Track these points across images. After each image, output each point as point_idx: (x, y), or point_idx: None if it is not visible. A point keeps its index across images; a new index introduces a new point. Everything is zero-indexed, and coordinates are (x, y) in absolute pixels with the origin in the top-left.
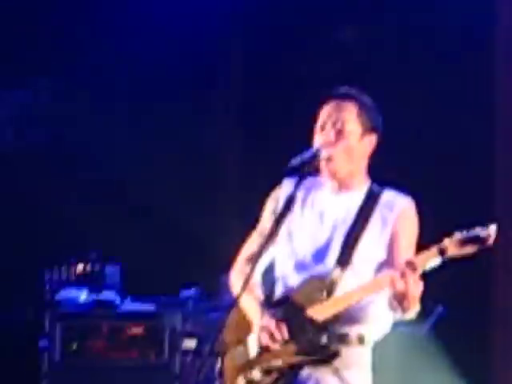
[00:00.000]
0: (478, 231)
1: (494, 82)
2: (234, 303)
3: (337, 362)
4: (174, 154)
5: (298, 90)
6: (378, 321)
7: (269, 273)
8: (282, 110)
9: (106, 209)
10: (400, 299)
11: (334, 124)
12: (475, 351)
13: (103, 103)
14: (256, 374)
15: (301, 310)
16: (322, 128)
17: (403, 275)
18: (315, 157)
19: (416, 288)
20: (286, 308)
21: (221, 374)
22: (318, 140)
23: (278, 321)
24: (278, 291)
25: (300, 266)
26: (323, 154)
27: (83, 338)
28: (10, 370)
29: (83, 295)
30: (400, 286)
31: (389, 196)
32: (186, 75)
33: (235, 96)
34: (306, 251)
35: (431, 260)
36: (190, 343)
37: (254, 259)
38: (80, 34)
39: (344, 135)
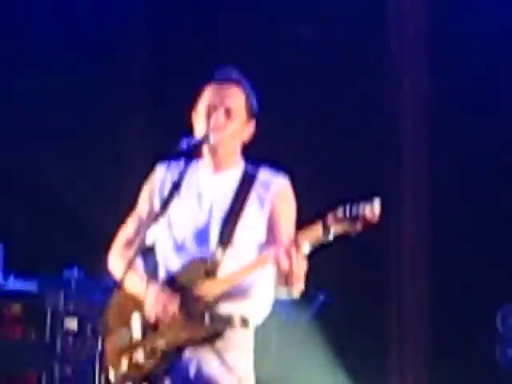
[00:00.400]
0: (361, 207)
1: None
2: (116, 285)
3: (219, 344)
4: (64, 127)
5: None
6: (260, 302)
7: (149, 256)
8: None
9: None
10: (285, 276)
11: (225, 109)
12: (361, 338)
13: None
14: (139, 355)
15: (185, 290)
16: (210, 111)
17: (287, 252)
18: (204, 141)
19: (300, 265)
20: (172, 289)
21: (102, 354)
22: (206, 123)
23: (169, 294)
24: (161, 274)
25: (181, 248)
26: (212, 140)
27: None
28: None
29: None
30: (284, 263)
31: (265, 175)
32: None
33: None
34: (185, 233)
35: (315, 236)
36: (71, 323)
37: (132, 243)
38: None
39: (232, 120)
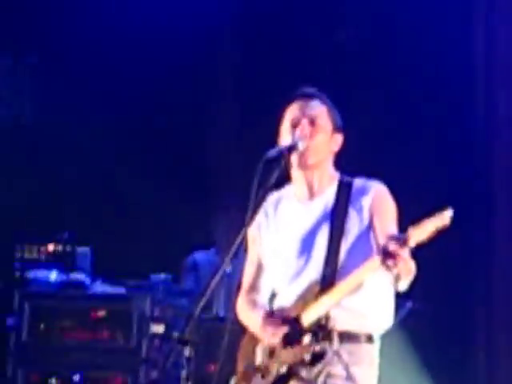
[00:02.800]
0: (436, 215)
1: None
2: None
3: (347, 359)
4: (157, 137)
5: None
6: (383, 317)
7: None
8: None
9: (81, 191)
10: (396, 276)
11: (308, 119)
12: (447, 348)
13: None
14: (257, 380)
15: (296, 313)
16: (295, 123)
17: (394, 252)
18: (293, 148)
19: (408, 261)
20: (282, 315)
21: (189, 361)
22: (292, 135)
23: (276, 322)
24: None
25: (290, 280)
26: (300, 146)
27: (52, 318)
28: None
29: (53, 275)
30: (391, 264)
31: (360, 182)
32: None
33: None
34: (295, 264)
35: (421, 236)
36: (158, 328)
37: (255, 286)
38: None
39: (318, 129)
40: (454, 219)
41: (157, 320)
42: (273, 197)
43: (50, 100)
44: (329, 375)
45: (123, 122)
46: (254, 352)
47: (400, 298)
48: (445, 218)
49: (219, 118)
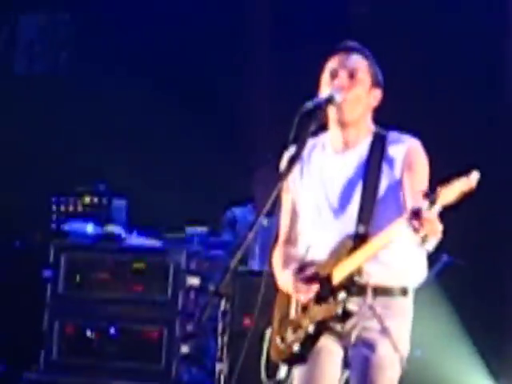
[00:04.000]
0: (462, 178)
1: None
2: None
3: (381, 312)
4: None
5: None
6: (417, 270)
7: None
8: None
9: (118, 143)
10: (421, 238)
11: (347, 71)
12: (482, 301)
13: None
14: (289, 333)
15: (329, 270)
16: (334, 75)
17: (418, 213)
18: (329, 100)
19: (433, 221)
20: (314, 270)
21: (224, 314)
22: (330, 86)
23: (307, 279)
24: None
25: (327, 232)
26: (337, 98)
27: (87, 271)
28: (14, 300)
29: (89, 227)
30: (416, 224)
31: (395, 136)
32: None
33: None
34: (329, 216)
35: (449, 198)
36: (194, 280)
37: (290, 239)
38: None
39: (356, 82)
40: (496, 178)
41: (192, 273)
42: (308, 143)
43: (83, 53)
44: (364, 329)
45: (158, 73)
46: (288, 305)
47: (437, 251)
48: (471, 180)
49: (256, 79)
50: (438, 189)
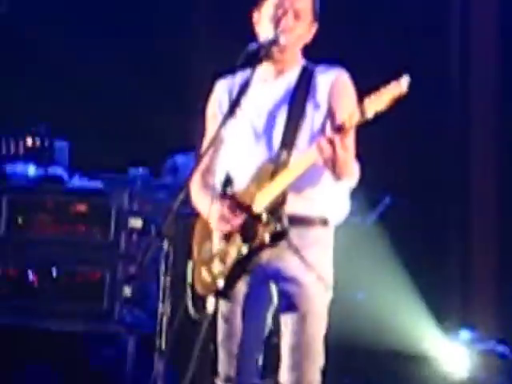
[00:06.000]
0: (393, 83)
1: None
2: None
3: (298, 242)
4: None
5: None
6: (339, 202)
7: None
8: None
9: (58, 84)
10: (331, 165)
11: (293, 10)
12: (424, 242)
13: None
14: (215, 264)
15: (252, 196)
16: (278, 13)
17: (330, 141)
18: (274, 42)
19: (345, 153)
20: (237, 197)
21: (167, 256)
22: (274, 24)
23: (232, 207)
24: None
25: (250, 158)
26: (282, 40)
27: (29, 213)
28: None
29: (31, 170)
30: (327, 151)
31: (321, 70)
32: None
33: None
34: (252, 142)
35: (356, 119)
36: (136, 223)
37: (210, 168)
38: None
39: (300, 22)
40: (430, 117)
41: (135, 214)
42: (237, 77)
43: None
44: (279, 260)
45: (103, 16)
46: (210, 234)
47: (379, 192)
48: (402, 85)
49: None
50: (366, 100)
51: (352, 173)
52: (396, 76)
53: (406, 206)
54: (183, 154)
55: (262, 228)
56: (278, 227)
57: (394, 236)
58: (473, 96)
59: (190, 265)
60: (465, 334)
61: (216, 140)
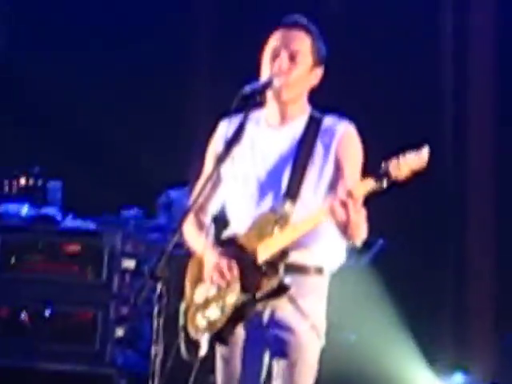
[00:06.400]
0: (409, 157)
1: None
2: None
3: (293, 291)
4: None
5: None
6: (335, 251)
7: (221, 215)
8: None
9: (52, 126)
10: (343, 227)
11: (289, 53)
12: (419, 285)
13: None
14: (212, 311)
15: (252, 245)
16: (275, 55)
17: (343, 204)
18: (268, 85)
19: (357, 215)
20: (237, 245)
21: (160, 297)
22: (271, 68)
23: (229, 258)
24: (231, 231)
25: (250, 205)
26: (276, 83)
27: (22, 253)
28: None
29: (24, 209)
30: (340, 214)
31: (329, 121)
32: None
33: None
34: (254, 189)
35: (370, 187)
36: (129, 264)
37: (204, 206)
38: None
39: (297, 64)
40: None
41: (128, 255)
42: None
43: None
44: (274, 307)
45: (100, 56)
46: (203, 278)
47: (372, 235)
48: (422, 157)
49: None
50: (384, 164)
51: (362, 234)
52: (415, 146)
53: (398, 248)
54: (176, 188)
55: (265, 281)
56: (282, 281)
57: (387, 278)
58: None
59: (182, 306)
60: (458, 377)
61: (213, 179)
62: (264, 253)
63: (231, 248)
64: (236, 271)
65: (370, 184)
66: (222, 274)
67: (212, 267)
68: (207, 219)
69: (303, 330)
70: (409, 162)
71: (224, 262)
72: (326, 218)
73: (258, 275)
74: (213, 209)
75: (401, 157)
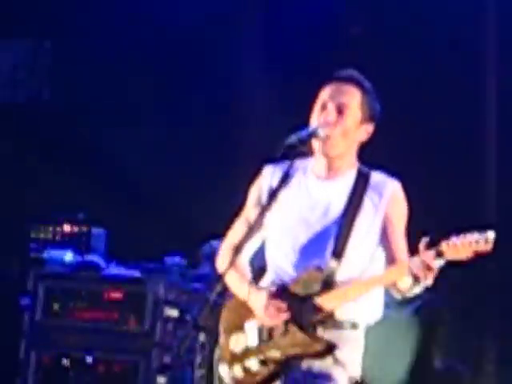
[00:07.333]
0: (476, 237)
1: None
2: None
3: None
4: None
5: None
6: (371, 307)
7: (256, 259)
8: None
9: (96, 172)
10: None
11: (337, 105)
12: (462, 337)
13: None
14: (252, 363)
15: (299, 299)
16: (323, 107)
17: (428, 267)
18: (313, 135)
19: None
20: (284, 297)
21: (203, 346)
22: (318, 119)
23: (279, 302)
24: (269, 278)
25: (294, 255)
26: (321, 133)
27: (66, 299)
28: None
29: (68, 256)
30: (422, 276)
31: (377, 178)
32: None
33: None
34: (298, 239)
35: (436, 262)
36: (172, 312)
37: (240, 248)
38: None
39: (344, 118)
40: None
41: (171, 304)
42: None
43: (66, 81)
44: (313, 360)
45: (140, 107)
46: (242, 327)
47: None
48: (488, 241)
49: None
50: (445, 245)
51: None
52: (481, 227)
53: (442, 300)
54: (220, 239)
55: (312, 339)
56: (329, 342)
57: (429, 331)
58: None
59: (217, 353)
60: None
61: (254, 224)
62: (329, 304)
63: (282, 294)
64: (287, 315)
65: (435, 261)
66: (275, 315)
67: (263, 308)
68: (239, 259)
69: (342, 380)
70: (473, 244)
71: (275, 304)
72: (400, 275)
73: (304, 331)
74: (248, 253)
75: (468, 236)
